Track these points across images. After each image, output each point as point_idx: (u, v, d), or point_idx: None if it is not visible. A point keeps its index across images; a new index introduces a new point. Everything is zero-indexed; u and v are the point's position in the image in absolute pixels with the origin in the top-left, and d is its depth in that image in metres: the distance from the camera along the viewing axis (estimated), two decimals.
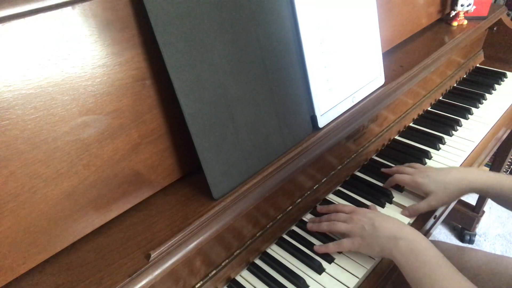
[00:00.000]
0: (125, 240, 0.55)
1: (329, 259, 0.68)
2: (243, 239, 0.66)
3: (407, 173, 0.79)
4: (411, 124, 1.03)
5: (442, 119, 1.03)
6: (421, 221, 0.77)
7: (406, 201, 0.79)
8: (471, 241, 1.62)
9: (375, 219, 0.65)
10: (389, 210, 0.77)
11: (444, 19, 1.21)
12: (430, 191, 0.74)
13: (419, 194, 0.78)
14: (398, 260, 0.59)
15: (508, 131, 1.14)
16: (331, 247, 0.68)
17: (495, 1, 1.51)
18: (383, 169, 0.86)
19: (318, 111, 0.73)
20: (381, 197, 0.79)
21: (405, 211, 0.76)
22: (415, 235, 0.61)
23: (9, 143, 0.43)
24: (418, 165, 0.83)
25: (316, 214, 0.78)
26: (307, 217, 0.78)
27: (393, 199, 0.79)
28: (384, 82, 0.88)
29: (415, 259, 0.57)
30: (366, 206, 0.77)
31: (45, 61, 0.44)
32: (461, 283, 0.54)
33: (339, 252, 0.69)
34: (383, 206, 0.78)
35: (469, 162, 0.92)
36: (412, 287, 0.57)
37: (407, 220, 0.75)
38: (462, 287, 0.54)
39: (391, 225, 0.63)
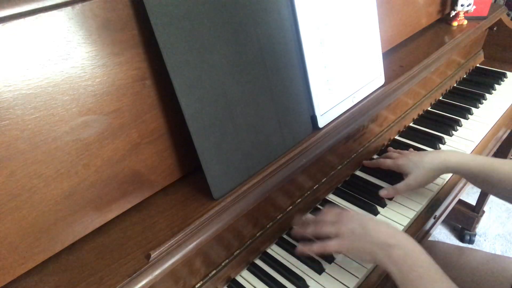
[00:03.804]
0: (125, 240, 0.55)
1: (329, 259, 0.68)
2: (243, 239, 0.66)
3: (391, 158, 0.83)
4: (411, 124, 1.03)
5: (442, 119, 1.03)
6: (421, 221, 0.77)
7: (406, 200, 0.79)
8: (471, 241, 1.62)
9: (366, 222, 0.60)
10: (389, 210, 0.77)
11: (444, 19, 1.21)
12: (409, 172, 0.76)
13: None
14: (390, 269, 0.55)
15: (508, 131, 1.14)
16: (315, 248, 0.63)
17: (495, 1, 1.51)
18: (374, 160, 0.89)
19: (318, 111, 0.73)
20: (382, 197, 0.79)
21: (384, 190, 0.78)
22: (409, 243, 0.57)
23: (9, 143, 0.43)
24: (404, 151, 0.86)
25: (315, 213, 0.78)
26: (307, 217, 0.77)
27: (393, 198, 0.79)
28: (384, 82, 0.88)
29: (407, 267, 0.54)
30: (366, 206, 0.77)
31: (45, 61, 0.44)
32: None
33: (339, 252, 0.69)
34: (383, 206, 0.78)
35: None
36: None
37: (403, 222, 0.75)
38: None
39: (384, 229, 0.59)
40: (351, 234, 0.60)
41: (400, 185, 0.77)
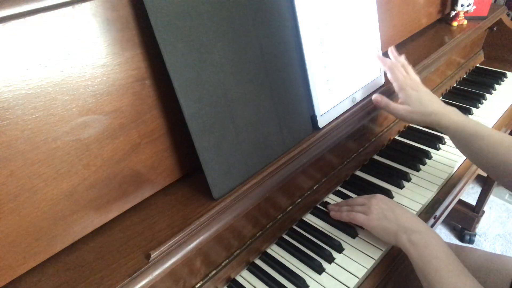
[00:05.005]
0: (125, 240, 0.55)
1: (330, 259, 0.68)
2: (243, 239, 0.66)
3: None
4: (411, 124, 1.03)
5: None
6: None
7: (406, 201, 0.79)
8: (471, 241, 1.62)
9: (394, 207, 0.67)
10: None
11: (444, 19, 1.21)
12: (408, 105, 0.76)
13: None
14: (410, 252, 0.61)
15: (508, 131, 1.14)
16: (344, 215, 0.71)
17: (495, 1, 1.51)
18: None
19: (318, 111, 0.73)
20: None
21: (378, 95, 0.80)
22: (429, 231, 0.62)
23: (9, 143, 0.43)
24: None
25: (315, 213, 0.78)
26: (307, 217, 0.78)
27: (393, 199, 0.79)
28: (384, 82, 0.88)
29: (427, 253, 0.59)
30: None
31: (45, 61, 0.44)
32: (466, 281, 0.55)
33: (340, 252, 0.69)
34: None
35: (469, 162, 0.92)
36: (420, 279, 0.59)
37: None
38: (467, 285, 0.55)
39: (409, 216, 0.65)
40: (380, 213, 0.67)
41: (394, 105, 0.78)
